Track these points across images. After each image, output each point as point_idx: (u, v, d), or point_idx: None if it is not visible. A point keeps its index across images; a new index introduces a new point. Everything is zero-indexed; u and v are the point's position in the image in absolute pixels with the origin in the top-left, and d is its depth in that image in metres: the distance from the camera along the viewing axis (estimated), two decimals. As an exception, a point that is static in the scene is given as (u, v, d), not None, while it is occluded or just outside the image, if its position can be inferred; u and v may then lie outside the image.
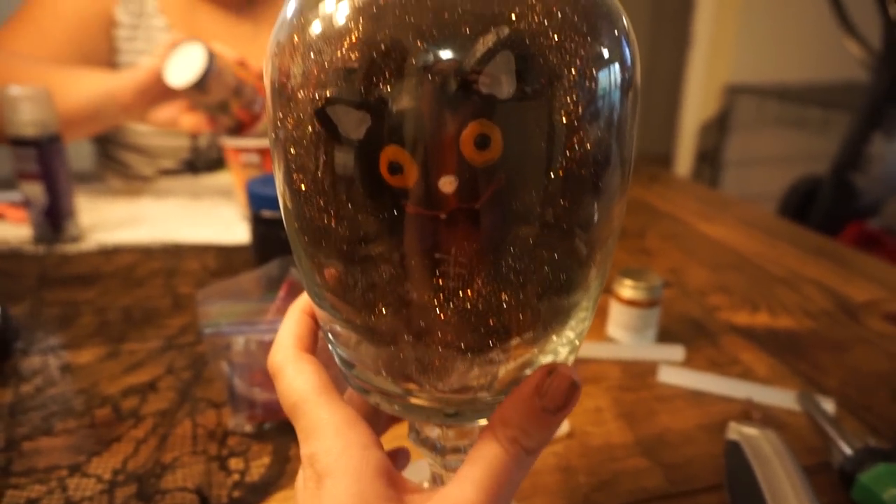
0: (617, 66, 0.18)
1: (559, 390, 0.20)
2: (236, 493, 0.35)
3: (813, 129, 2.23)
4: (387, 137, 0.17)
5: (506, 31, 0.16)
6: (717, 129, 2.47)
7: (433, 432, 0.25)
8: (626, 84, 0.19)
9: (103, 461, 0.37)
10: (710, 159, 2.47)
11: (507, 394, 0.21)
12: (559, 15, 0.17)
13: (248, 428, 0.39)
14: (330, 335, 0.23)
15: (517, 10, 0.17)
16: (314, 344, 0.25)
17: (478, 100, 0.16)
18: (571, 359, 0.24)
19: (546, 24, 0.17)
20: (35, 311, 0.55)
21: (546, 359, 0.22)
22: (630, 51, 0.19)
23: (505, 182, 0.17)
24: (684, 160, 2.55)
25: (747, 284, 0.64)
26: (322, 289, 0.21)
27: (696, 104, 2.49)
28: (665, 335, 0.53)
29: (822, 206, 1.22)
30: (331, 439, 0.21)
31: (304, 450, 0.21)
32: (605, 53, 0.18)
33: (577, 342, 0.24)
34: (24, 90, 0.64)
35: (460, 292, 0.19)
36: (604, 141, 0.19)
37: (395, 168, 0.17)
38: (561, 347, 0.23)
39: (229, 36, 0.93)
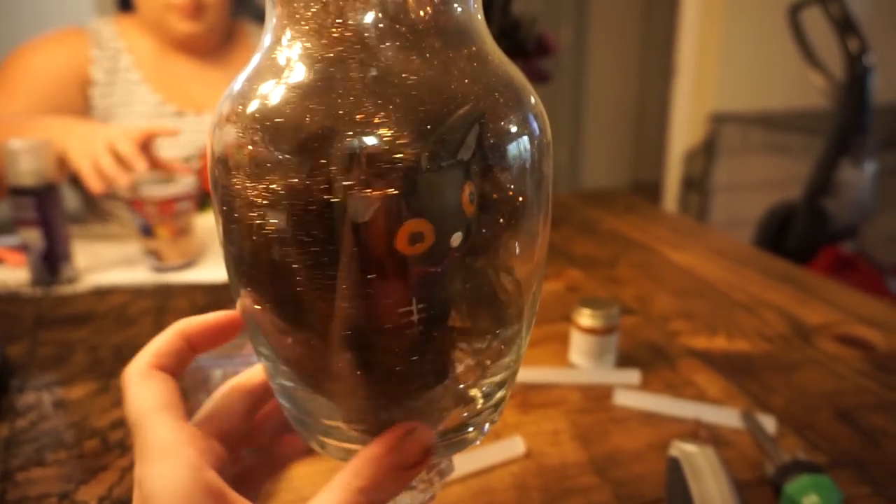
0: (526, 138, 0.22)
1: (413, 451, 0.21)
2: (212, 516, 0.37)
3: (796, 155, 2.28)
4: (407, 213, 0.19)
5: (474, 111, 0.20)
6: (704, 156, 2.52)
7: None
8: (536, 149, 0.22)
9: (90, 489, 0.40)
10: (697, 186, 2.52)
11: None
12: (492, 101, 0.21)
13: (226, 455, 0.42)
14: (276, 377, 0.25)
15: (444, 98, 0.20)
16: (175, 364, 0.24)
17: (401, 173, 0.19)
18: (508, 384, 0.26)
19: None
20: (31, 351, 0.58)
21: (489, 382, 0.25)
22: (538, 124, 0.23)
23: (439, 239, 0.20)
24: (672, 187, 2.60)
25: (709, 310, 0.67)
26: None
27: (683, 132, 2.55)
28: (625, 360, 0.56)
29: (796, 232, 1.26)
30: (158, 462, 0.20)
31: (136, 471, 0.20)
32: (515, 129, 0.22)
33: (514, 366, 0.26)
34: (23, 143, 0.68)
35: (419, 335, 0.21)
36: (522, 191, 0.22)
37: (417, 238, 0.19)
38: (500, 373, 0.25)
39: (201, 84, 0.98)
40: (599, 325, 0.53)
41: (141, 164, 0.73)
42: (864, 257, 1.23)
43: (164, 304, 0.68)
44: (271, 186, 0.20)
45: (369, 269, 0.19)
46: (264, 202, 0.20)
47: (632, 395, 0.50)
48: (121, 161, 0.74)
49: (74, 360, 0.56)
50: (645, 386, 0.52)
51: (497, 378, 0.25)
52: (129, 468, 0.42)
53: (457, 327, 0.22)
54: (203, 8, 0.91)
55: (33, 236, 0.70)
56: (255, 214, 0.20)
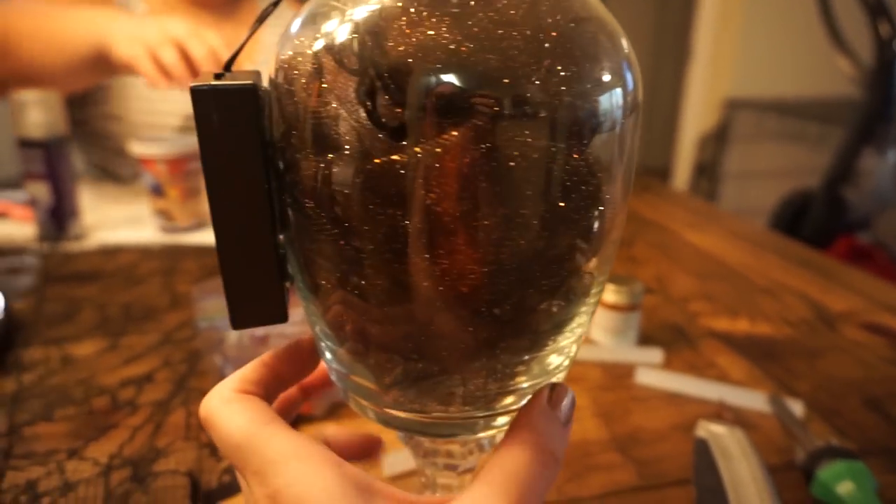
0: (619, 90, 0.19)
1: (566, 405, 0.21)
2: (225, 478, 0.36)
3: (811, 144, 2.25)
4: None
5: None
6: (716, 142, 2.49)
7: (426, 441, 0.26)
8: (629, 106, 0.20)
9: (100, 446, 0.39)
10: (708, 172, 2.49)
11: (500, 410, 0.22)
12: (566, 43, 0.18)
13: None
14: (329, 355, 0.24)
15: (529, 34, 0.17)
16: (263, 391, 0.22)
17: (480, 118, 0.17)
18: (565, 367, 0.24)
19: (554, 50, 0.18)
20: (37, 307, 0.56)
21: (542, 364, 0.23)
22: (632, 74, 0.20)
23: (510, 192, 0.18)
24: (682, 172, 2.57)
25: (730, 293, 0.66)
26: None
27: (696, 117, 2.52)
28: (646, 339, 0.54)
29: (813, 220, 1.24)
30: (296, 468, 0.18)
31: (263, 490, 0.18)
32: (608, 78, 0.19)
33: (573, 349, 0.24)
34: (33, 94, 0.66)
35: (467, 294, 0.19)
36: (606, 157, 0.20)
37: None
38: (556, 356, 0.23)
39: None
40: (623, 301, 0.51)
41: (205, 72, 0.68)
42: (880, 247, 1.21)
43: (172, 265, 0.66)
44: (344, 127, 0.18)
45: (441, 224, 0.18)
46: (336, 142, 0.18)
47: (654, 374, 0.48)
48: (186, 59, 0.68)
49: (82, 317, 0.55)
50: (666, 366, 0.51)
51: (568, 341, 0.23)
52: (140, 427, 0.40)
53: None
54: None
55: (41, 190, 0.68)
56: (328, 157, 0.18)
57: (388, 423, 0.23)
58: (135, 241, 0.72)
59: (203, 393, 0.21)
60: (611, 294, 0.52)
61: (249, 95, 0.18)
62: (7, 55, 0.74)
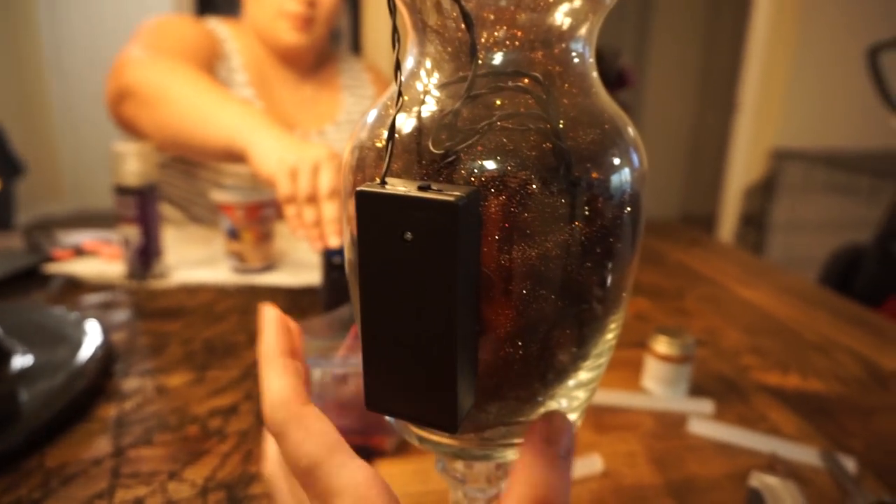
0: (627, 170, 0.24)
1: (564, 438, 0.22)
2: None
3: (862, 197, 2.22)
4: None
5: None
6: (763, 193, 2.48)
7: (458, 465, 0.29)
8: (636, 181, 0.24)
9: (196, 470, 0.43)
10: (755, 223, 2.47)
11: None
12: (590, 136, 0.23)
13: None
14: None
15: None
16: (309, 390, 0.24)
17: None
18: (582, 404, 0.28)
19: (577, 143, 0.23)
20: (131, 339, 0.62)
21: (563, 400, 0.27)
22: (638, 157, 0.25)
23: (541, 258, 0.22)
24: (728, 222, 2.56)
25: (781, 348, 0.67)
26: None
27: (742, 167, 2.52)
28: (696, 390, 0.56)
29: (865, 276, 1.23)
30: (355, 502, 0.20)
31: None
32: (618, 161, 0.24)
33: (593, 385, 0.28)
34: (132, 146, 0.74)
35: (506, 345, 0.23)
36: (619, 221, 0.24)
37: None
38: (579, 392, 0.27)
39: (294, 94, 1.03)
40: (675, 353, 0.54)
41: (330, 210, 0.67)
42: (935, 306, 1.19)
43: (248, 303, 0.72)
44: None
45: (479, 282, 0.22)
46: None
47: (706, 424, 0.50)
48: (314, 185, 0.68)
49: (169, 350, 0.60)
50: (718, 417, 0.53)
51: (586, 381, 0.27)
52: (230, 454, 0.44)
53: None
54: (313, 21, 0.96)
55: (132, 233, 0.75)
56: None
57: (427, 443, 0.27)
58: (212, 281, 0.77)
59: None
60: (663, 345, 0.54)
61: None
62: (156, 110, 0.80)
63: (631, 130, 0.26)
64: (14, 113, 3.33)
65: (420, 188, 0.20)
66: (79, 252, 0.84)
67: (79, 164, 3.79)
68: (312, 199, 0.68)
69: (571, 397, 0.27)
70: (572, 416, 0.28)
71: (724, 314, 0.76)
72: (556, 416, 0.23)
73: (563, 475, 0.22)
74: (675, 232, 1.16)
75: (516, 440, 0.27)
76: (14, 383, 0.49)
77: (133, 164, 0.74)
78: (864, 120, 2.40)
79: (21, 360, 0.52)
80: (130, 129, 0.88)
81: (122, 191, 0.74)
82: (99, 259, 0.83)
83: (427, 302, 0.20)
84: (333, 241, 0.65)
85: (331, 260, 0.62)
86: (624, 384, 0.57)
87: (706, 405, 0.53)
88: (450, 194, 0.19)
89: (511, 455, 0.27)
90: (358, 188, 0.20)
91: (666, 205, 4.04)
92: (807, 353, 0.66)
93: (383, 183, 0.20)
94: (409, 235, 0.19)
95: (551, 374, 0.25)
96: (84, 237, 0.90)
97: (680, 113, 4.02)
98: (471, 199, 0.20)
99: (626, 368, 0.60)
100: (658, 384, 0.55)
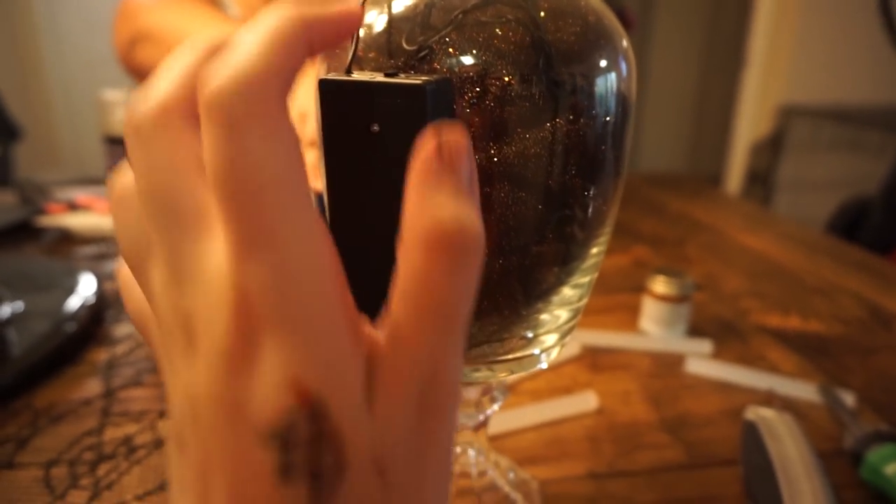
0: (614, 74, 0.23)
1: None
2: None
3: (871, 153, 2.18)
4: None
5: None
6: (770, 150, 2.44)
7: None
8: (624, 89, 0.23)
9: (186, 409, 0.42)
10: (761, 181, 2.44)
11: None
12: (576, 31, 0.22)
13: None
14: None
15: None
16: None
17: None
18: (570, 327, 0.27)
19: (563, 37, 0.21)
20: (123, 288, 0.61)
21: (547, 318, 0.26)
22: (627, 67, 0.24)
23: (518, 156, 0.21)
24: (734, 180, 2.53)
25: (782, 292, 0.66)
26: None
27: (749, 124, 2.47)
28: (695, 332, 0.56)
29: (870, 227, 1.21)
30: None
31: None
32: (604, 63, 0.22)
33: (578, 305, 0.27)
34: (118, 94, 0.72)
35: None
36: (604, 124, 0.23)
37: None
38: (561, 310, 0.26)
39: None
40: (674, 292, 0.53)
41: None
42: (942, 257, 1.17)
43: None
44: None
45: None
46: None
47: (703, 363, 0.50)
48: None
49: (162, 298, 0.60)
50: (716, 357, 0.52)
51: (570, 294, 0.26)
52: (220, 394, 0.44)
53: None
54: None
55: (124, 184, 0.74)
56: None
57: None
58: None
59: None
60: (661, 285, 0.53)
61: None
62: (160, 47, 0.79)
63: (624, 42, 0.24)
64: (10, 79, 3.30)
65: (387, 75, 0.18)
66: (72, 206, 0.83)
67: (77, 131, 3.76)
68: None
69: (556, 315, 0.26)
70: (561, 339, 0.27)
71: (725, 260, 0.75)
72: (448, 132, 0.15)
73: (471, 210, 0.15)
74: (677, 182, 1.14)
75: (501, 358, 0.26)
76: (3, 327, 0.48)
77: (122, 112, 0.72)
78: (874, 73, 2.35)
79: (11, 307, 0.51)
80: (146, 75, 0.86)
81: (112, 141, 0.73)
82: (92, 213, 0.82)
83: (397, 199, 0.19)
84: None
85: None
86: (620, 327, 0.56)
87: (704, 345, 0.52)
88: (418, 78, 0.18)
89: (499, 376, 0.27)
90: (320, 77, 0.19)
91: (674, 163, 3.99)
92: (808, 297, 0.65)
93: (349, 73, 0.19)
94: (375, 127, 0.18)
95: (534, 287, 0.24)
96: (78, 193, 0.89)
97: (687, 70, 3.94)
98: (441, 85, 0.18)
99: (624, 312, 0.59)
100: (656, 325, 0.54)
